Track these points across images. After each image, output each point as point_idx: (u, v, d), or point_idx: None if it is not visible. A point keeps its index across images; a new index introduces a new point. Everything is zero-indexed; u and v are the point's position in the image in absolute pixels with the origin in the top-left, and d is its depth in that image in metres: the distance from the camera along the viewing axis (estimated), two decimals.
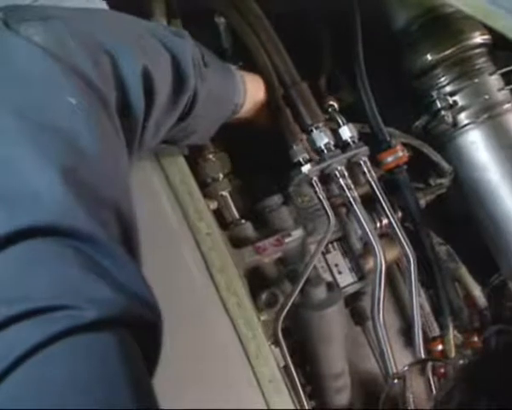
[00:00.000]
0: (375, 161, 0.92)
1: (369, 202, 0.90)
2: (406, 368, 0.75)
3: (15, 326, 0.32)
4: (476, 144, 0.95)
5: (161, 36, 0.59)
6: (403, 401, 0.71)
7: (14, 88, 0.42)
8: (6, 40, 0.44)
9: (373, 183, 0.88)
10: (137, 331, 0.37)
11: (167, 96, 0.58)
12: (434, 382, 0.75)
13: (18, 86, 0.43)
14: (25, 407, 0.30)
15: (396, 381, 0.73)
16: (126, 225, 0.43)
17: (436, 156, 0.96)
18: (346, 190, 0.86)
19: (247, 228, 0.84)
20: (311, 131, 0.84)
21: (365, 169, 0.88)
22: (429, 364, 0.76)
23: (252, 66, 0.85)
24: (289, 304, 0.78)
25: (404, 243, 0.88)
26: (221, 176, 0.85)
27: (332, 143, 0.84)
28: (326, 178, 0.87)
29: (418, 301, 0.88)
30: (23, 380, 0.31)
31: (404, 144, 0.95)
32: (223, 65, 0.75)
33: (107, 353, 0.34)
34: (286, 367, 0.78)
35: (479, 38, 0.96)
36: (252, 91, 0.79)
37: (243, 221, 0.84)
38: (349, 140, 0.86)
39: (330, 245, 0.90)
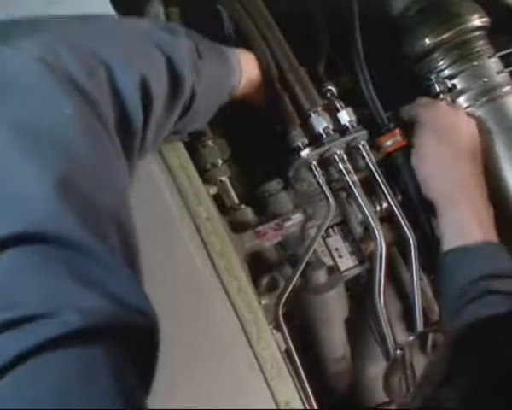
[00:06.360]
0: (375, 146, 0.92)
1: (370, 186, 0.90)
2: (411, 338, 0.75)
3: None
4: None
5: (156, 38, 0.59)
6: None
7: (9, 99, 0.42)
8: None
9: (372, 166, 0.88)
10: (129, 340, 0.36)
11: (164, 100, 0.57)
12: None
13: (13, 98, 0.42)
14: None
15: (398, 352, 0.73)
16: (125, 235, 0.42)
17: None
18: (346, 174, 0.86)
19: (247, 213, 0.84)
20: (310, 115, 0.84)
21: (364, 153, 0.88)
22: (430, 339, 0.76)
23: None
24: (290, 288, 0.78)
25: (405, 227, 0.87)
26: (220, 161, 0.84)
27: (331, 127, 0.84)
28: (325, 163, 0.87)
29: (419, 286, 0.87)
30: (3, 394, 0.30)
31: None
32: (217, 50, 0.74)
33: (93, 364, 0.32)
34: (287, 351, 0.78)
35: (477, 21, 0.95)
36: (247, 69, 0.79)
37: (243, 206, 0.84)
38: (348, 124, 0.86)
39: (330, 229, 0.90)
